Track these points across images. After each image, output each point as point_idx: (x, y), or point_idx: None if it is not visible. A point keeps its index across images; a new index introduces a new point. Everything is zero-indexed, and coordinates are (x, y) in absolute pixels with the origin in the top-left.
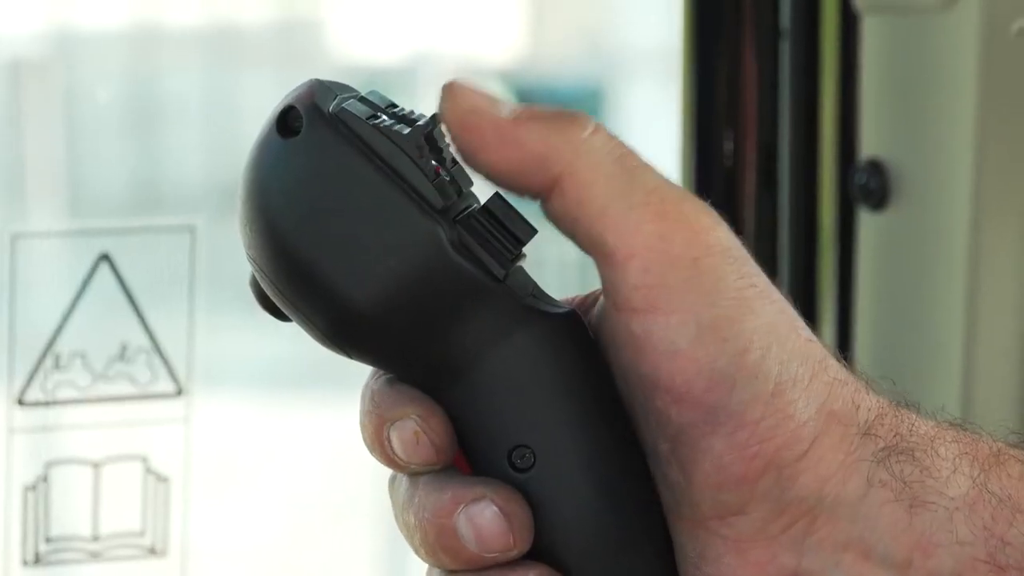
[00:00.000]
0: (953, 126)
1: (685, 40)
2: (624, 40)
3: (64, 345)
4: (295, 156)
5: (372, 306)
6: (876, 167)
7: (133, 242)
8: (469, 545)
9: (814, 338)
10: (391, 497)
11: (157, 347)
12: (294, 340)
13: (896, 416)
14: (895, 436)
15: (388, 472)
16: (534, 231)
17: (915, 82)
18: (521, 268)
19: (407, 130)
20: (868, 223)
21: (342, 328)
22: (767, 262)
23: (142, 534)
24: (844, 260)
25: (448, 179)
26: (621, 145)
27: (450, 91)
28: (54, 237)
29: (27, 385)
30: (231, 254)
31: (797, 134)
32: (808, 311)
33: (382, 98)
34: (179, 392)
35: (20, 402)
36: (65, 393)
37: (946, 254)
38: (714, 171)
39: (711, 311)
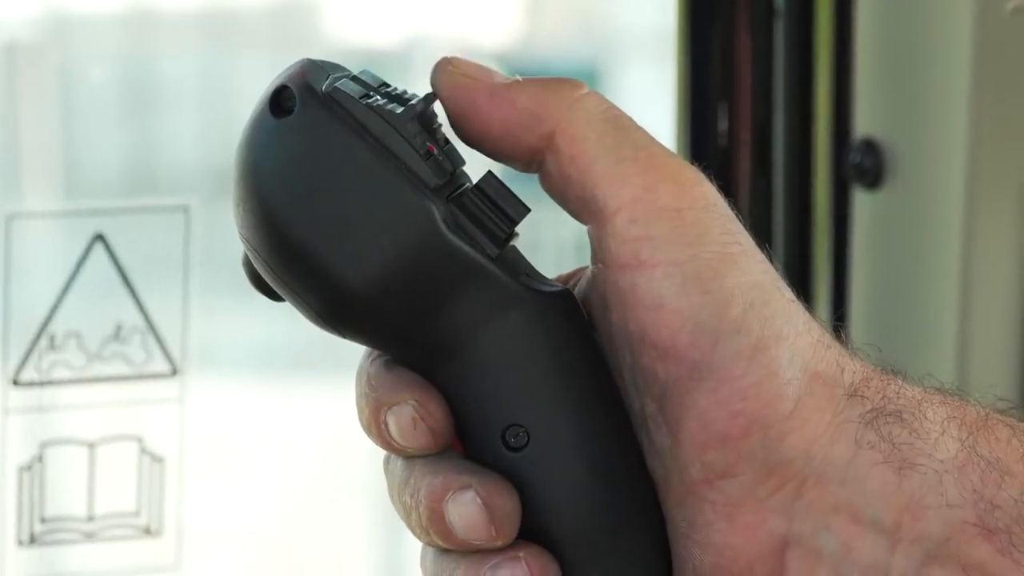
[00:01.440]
0: (948, 105)
1: (680, 20)
2: (619, 21)
3: (59, 325)
4: (288, 136)
5: (365, 286)
6: (871, 146)
7: (128, 223)
8: (456, 532)
9: (796, 301)
10: (386, 476)
11: (152, 327)
12: (290, 321)
13: (882, 380)
14: (882, 398)
15: (382, 457)
16: (527, 210)
17: (910, 61)
18: (514, 247)
19: (400, 109)
20: (863, 202)
21: (335, 308)
22: (761, 241)
23: (137, 514)
24: (839, 239)
25: (441, 158)
26: (613, 107)
27: (443, 63)
28: (49, 217)
29: (22, 365)
30: (226, 235)
31: (792, 113)
32: (803, 290)
33: (374, 77)
34: (174, 372)
35: (15, 382)
36: (60, 373)
37: (940, 233)
38: (709, 150)
39: (694, 263)
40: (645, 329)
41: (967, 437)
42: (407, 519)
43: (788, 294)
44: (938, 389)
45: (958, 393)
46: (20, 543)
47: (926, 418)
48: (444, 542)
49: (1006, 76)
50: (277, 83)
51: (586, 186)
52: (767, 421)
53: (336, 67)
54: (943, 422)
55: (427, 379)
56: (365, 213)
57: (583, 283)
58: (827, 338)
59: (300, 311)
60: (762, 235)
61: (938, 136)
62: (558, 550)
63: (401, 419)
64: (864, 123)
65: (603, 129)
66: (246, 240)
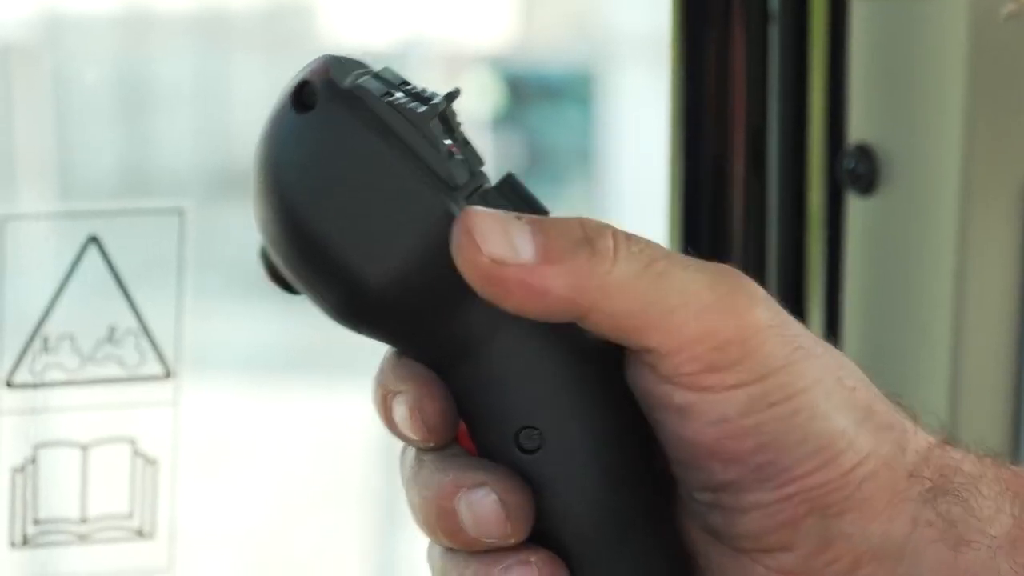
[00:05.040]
0: (942, 111)
1: (674, 24)
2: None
3: (52, 327)
4: (309, 131)
5: (384, 283)
6: (865, 152)
7: (122, 225)
8: (468, 529)
9: (858, 383)
10: (400, 471)
11: (145, 329)
12: (283, 324)
13: (941, 456)
14: (940, 477)
15: (375, 457)
16: (546, 212)
17: (904, 67)
18: None
19: (422, 108)
20: (856, 208)
21: (353, 304)
22: (755, 247)
23: (130, 516)
24: (832, 245)
25: (462, 158)
26: (643, 252)
27: (467, 236)
28: (43, 219)
29: (15, 367)
30: (220, 237)
31: (786, 119)
32: (796, 296)
33: (395, 75)
34: (167, 375)
35: (8, 384)
36: (53, 375)
37: (935, 239)
38: (703, 155)
39: (761, 384)
40: (704, 439)
41: (1019, 511)
42: (415, 516)
43: (849, 380)
44: (992, 458)
45: (1012, 463)
46: (13, 545)
47: (981, 494)
48: (451, 540)
49: (1000, 82)
50: (299, 78)
51: (634, 339)
52: (827, 504)
53: (358, 63)
54: (997, 497)
55: (442, 377)
56: (386, 211)
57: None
58: (888, 416)
59: (317, 306)
60: (756, 241)
61: (932, 142)
62: (567, 554)
63: (402, 409)
64: (858, 129)
65: (642, 288)
66: (266, 234)
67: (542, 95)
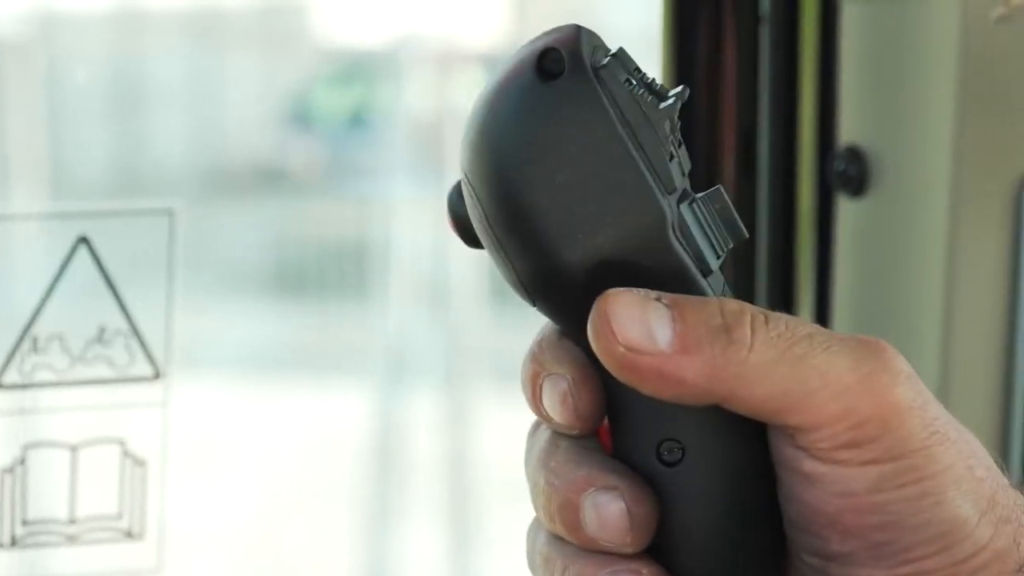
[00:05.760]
0: (932, 113)
1: (665, 26)
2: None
3: (42, 328)
4: (548, 100)
5: (579, 265)
6: (855, 154)
7: (112, 225)
8: (588, 528)
9: (987, 472)
10: (527, 446)
11: (135, 330)
12: (273, 324)
13: None
14: None
15: (366, 457)
16: (746, 234)
17: (894, 69)
18: (720, 268)
19: (661, 105)
20: (847, 210)
21: (541, 276)
22: (745, 248)
23: (119, 517)
24: (822, 247)
25: (679, 161)
26: (781, 337)
27: (604, 322)
28: (33, 220)
29: (4, 368)
30: (210, 238)
31: (776, 120)
32: (786, 298)
33: (630, 59)
34: (157, 375)
35: None
36: (43, 376)
37: (924, 241)
38: (693, 156)
39: (894, 464)
40: (827, 508)
41: None
42: (534, 499)
43: (979, 469)
44: None
45: None
46: (1, 545)
47: None
48: (569, 534)
49: (990, 85)
50: (545, 43)
51: (775, 419)
52: None
53: (599, 39)
54: None
55: (596, 367)
56: (603, 196)
57: None
58: (1009, 509)
59: (499, 268)
60: (746, 242)
61: (922, 144)
62: (681, 571)
63: (555, 390)
64: (848, 131)
65: (783, 374)
66: (471, 187)
67: None
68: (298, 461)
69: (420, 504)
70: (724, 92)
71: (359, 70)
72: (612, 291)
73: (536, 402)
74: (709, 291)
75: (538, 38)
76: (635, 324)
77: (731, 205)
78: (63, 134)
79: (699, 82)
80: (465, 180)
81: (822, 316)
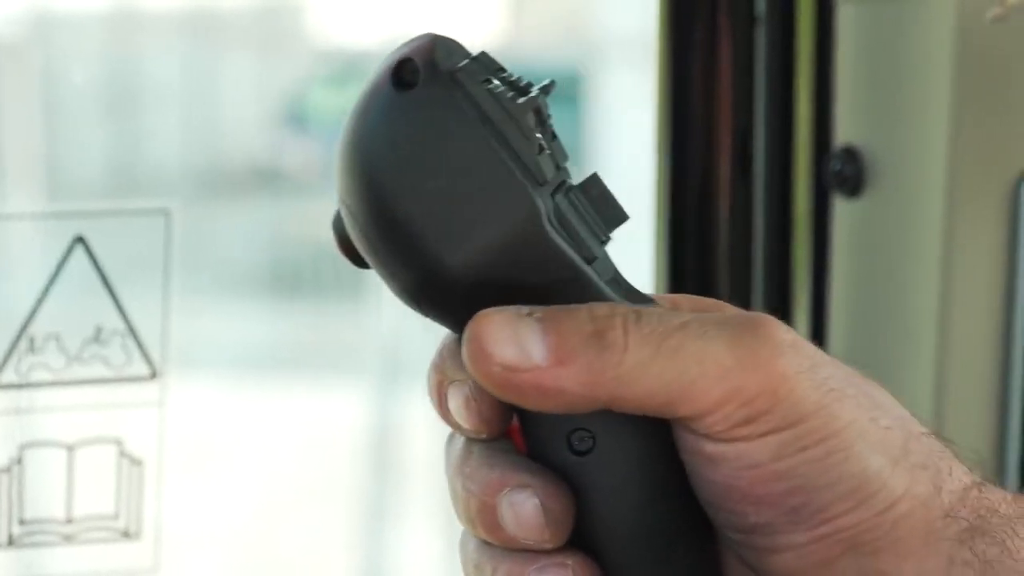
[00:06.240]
0: (928, 113)
1: (661, 26)
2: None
3: (38, 327)
4: (406, 110)
5: (461, 269)
6: (851, 154)
7: (109, 225)
8: (507, 528)
9: (893, 421)
10: (445, 456)
11: (132, 330)
12: (270, 324)
13: (977, 496)
14: (977, 517)
15: (363, 456)
16: (626, 216)
17: (890, 69)
18: (606, 253)
19: (520, 100)
20: (843, 210)
21: (426, 285)
22: (741, 249)
23: (116, 517)
24: (819, 247)
25: (550, 153)
26: (654, 332)
27: (476, 345)
28: (29, 219)
29: (1, 367)
30: (206, 238)
31: (772, 121)
32: (782, 298)
33: (492, 60)
34: (153, 375)
35: None
36: (39, 375)
37: (921, 241)
38: (689, 157)
39: (792, 430)
40: (736, 483)
41: None
42: (455, 505)
43: (884, 420)
44: None
45: None
46: None
47: (1017, 535)
48: (489, 536)
49: (986, 85)
50: (400, 54)
51: (666, 414)
52: (862, 543)
53: (458, 45)
54: None
55: None
56: (474, 198)
57: None
58: (924, 455)
59: (387, 283)
60: (742, 243)
61: (919, 144)
62: (604, 561)
63: (459, 397)
64: (845, 131)
65: (660, 369)
66: (347, 206)
67: None
68: (295, 460)
69: (417, 503)
70: (720, 93)
71: (356, 71)
72: (481, 313)
73: (443, 410)
74: (595, 278)
75: (395, 50)
76: (507, 342)
77: (609, 189)
78: (59, 134)
79: (695, 83)
80: (341, 201)
81: (818, 316)
